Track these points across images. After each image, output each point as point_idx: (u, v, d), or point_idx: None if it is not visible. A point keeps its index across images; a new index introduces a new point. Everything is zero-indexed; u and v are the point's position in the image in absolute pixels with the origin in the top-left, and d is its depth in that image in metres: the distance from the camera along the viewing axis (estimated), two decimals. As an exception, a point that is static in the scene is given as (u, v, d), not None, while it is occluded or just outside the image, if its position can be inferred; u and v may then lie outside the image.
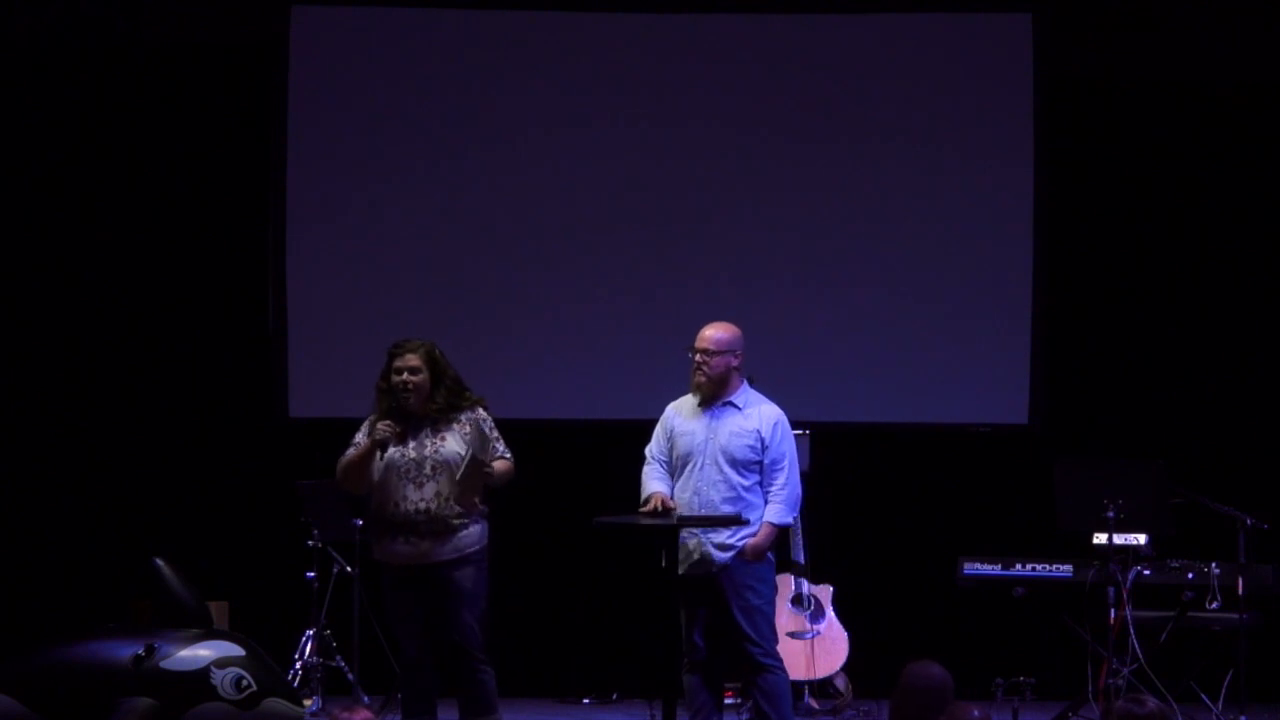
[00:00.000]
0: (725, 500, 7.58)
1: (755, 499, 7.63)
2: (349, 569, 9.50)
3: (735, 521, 7.53)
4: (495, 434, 7.57)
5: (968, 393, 10.21)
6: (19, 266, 10.43)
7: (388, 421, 7.44)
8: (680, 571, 7.60)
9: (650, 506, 7.56)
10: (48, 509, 10.33)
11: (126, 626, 8.32)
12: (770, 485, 7.64)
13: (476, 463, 7.40)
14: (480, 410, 7.60)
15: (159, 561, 7.97)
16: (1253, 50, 10.28)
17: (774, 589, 7.83)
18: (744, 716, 9.05)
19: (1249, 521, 8.73)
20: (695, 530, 7.56)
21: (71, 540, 10.28)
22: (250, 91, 10.42)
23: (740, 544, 7.58)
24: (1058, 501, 8.85)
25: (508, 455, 7.62)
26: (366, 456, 7.48)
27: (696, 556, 7.59)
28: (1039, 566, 9.18)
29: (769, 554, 7.68)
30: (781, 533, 7.84)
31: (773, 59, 10.28)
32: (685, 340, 9.50)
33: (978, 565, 9.27)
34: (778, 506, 7.63)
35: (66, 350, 10.42)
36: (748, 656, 7.59)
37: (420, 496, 7.43)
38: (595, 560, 10.04)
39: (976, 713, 5.17)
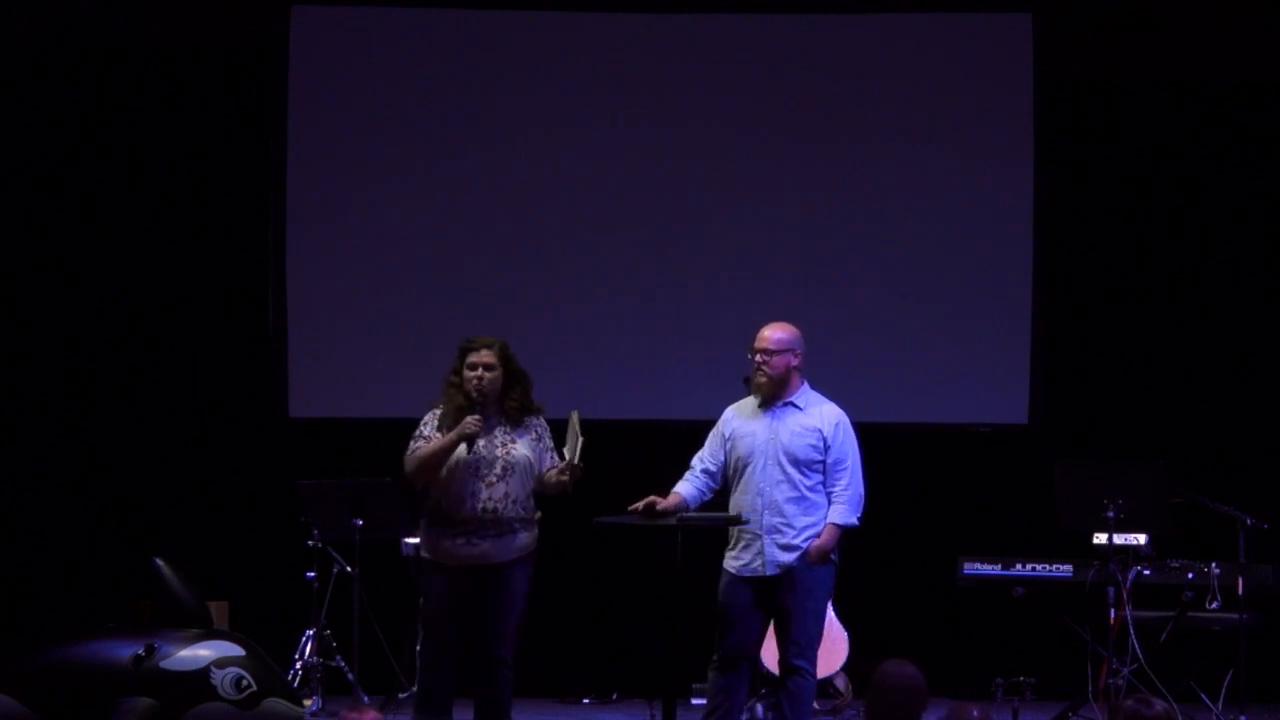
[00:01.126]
0: (789, 500, 7.57)
1: (820, 498, 7.61)
2: (349, 569, 9.50)
3: (736, 521, 7.52)
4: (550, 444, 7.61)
5: (968, 393, 10.21)
6: (19, 266, 10.43)
7: (477, 416, 7.37)
8: (739, 573, 7.61)
9: (636, 505, 7.54)
10: (48, 509, 10.33)
11: (126, 626, 8.32)
12: (834, 486, 7.62)
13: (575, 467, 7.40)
14: (543, 419, 7.59)
15: (159, 561, 7.97)
16: (1253, 50, 10.29)
17: (830, 592, 7.82)
18: (744, 717, 9.05)
19: (1249, 521, 8.73)
20: (759, 531, 7.55)
21: (71, 540, 10.28)
22: (250, 91, 10.42)
23: (805, 545, 7.56)
24: (1058, 501, 8.84)
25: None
26: (447, 450, 7.38)
27: (760, 560, 7.58)
28: (1039, 566, 9.18)
29: (833, 556, 7.66)
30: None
31: (773, 59, 10.28)
32: (685, 340, 9.53)
33: (978, 565, 9.27)
34: (841, 507, 7.60)
35: (66, 350, 10.42)
36: (784, 656, 7.59)
37: (489, 496, 7.40)
38: (595, 560, 10.04)
39: (976, 713, 5.16)
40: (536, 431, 7.55)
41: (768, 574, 7.56)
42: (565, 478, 7.45)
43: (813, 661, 7.62)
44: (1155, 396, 10.31)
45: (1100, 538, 8.71)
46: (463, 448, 7.37)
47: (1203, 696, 9.02)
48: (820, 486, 7.62)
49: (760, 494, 7.59)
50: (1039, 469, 9.32)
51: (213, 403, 10.42)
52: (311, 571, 9.52)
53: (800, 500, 7.58)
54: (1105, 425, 10.25)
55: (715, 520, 7.59)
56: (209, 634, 7.71)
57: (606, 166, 10.30)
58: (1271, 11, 10.21)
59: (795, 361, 7.68)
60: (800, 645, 7.56)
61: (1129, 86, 10.38)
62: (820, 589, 7.63)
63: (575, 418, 7.47)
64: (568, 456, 7.44)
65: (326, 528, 9.50)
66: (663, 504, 7.57)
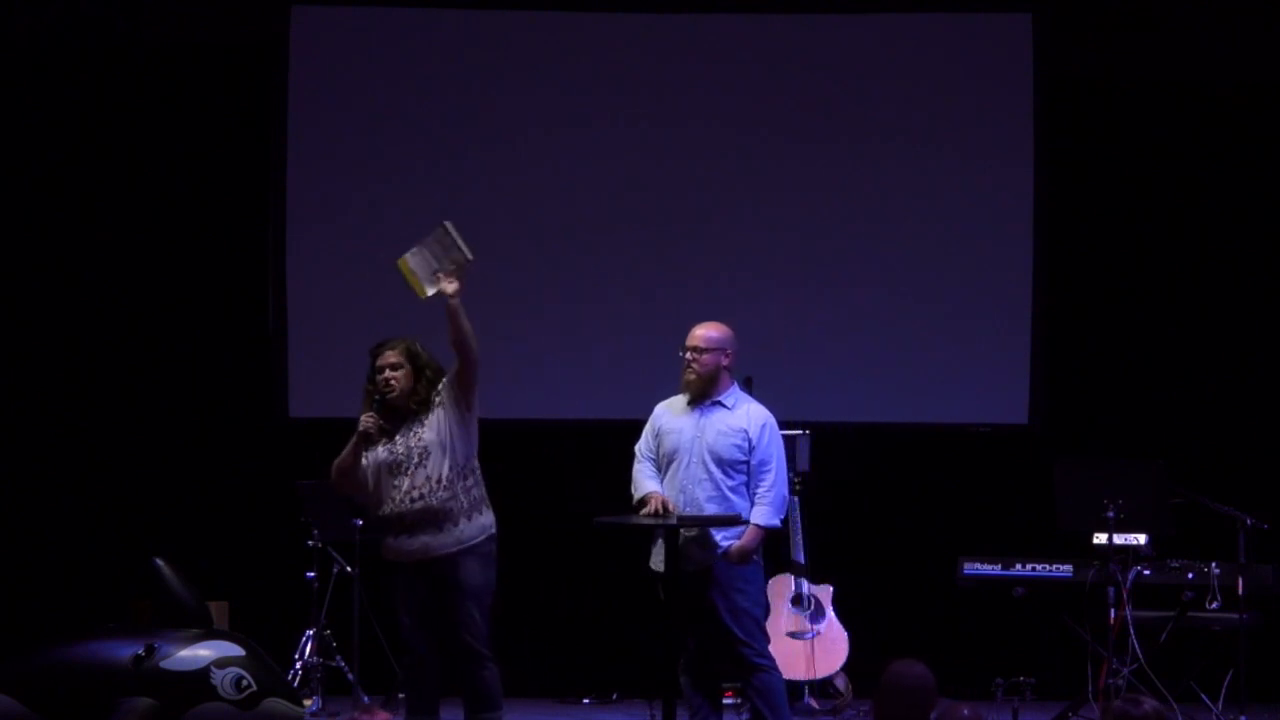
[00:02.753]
0: (710, 499, 7.57)
1: (740, 500, 7.60)
2: (349, 569, 9.50)
3: (736, 521, 7.52)
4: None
5: (968, 393, 10.21)
6: (19, 266, 10.43)
7: (369, 414, 7.42)
8: (661, 569, 7.59)
9: (651, 508, 7.54)
10: (48, 509, 10.34)
11: (126, 626, 8.32)
12: (758, 487, 7.60)
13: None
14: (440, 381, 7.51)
15: (159, 561, 7.97)
16: (1253, 50, 10.29)
17: (762, 590, 7.82)
18: (744, 716, 9.06)
19: (1249, 521, 8.73)
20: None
21: (71, 540, 10.28)
22: (250, 91, 10.42)
23: (725, 545, 7.56)
24: (1058, 501, 8.85)
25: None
26: (353, 454, 7.45)
27: (681, 558, 7.55)
28: (1039, 566, 9.18)
29: (756, 556, 7.66)
30: (775, 532, 7.80)
31: (773, 59, 10.29)
32: (684, 340, 9.49)
33: (978, 565, 9.27)
34: (764, 509, 7.59)
35: (66, 350, 10.43)
36: (740, 658, 7.58)
37: (411, 485, 7.39)
38: (595, 560, 10.04)
39: (966, 712, 5.15)
40: (437, 399, 7.47)
41: (687, 569, 7.53)
42: (447, 289, 7.33)
43: (769, 656, 7.63)
44: (1155, 396, 10.31)
45: (1100, 538, 8.72)
46: (381, 448, 7.37)
47: (1203, 696, 9.01)
48: (743, 487, 7.61)
49: (683, 491, 7.59)
50: (1039, 469, 9.32)
51: (213, 403, 10.43)
52: (311, 571, 9.53)
53: (721, 500, 7.58)
54: (1105, 425, 10.25)
55: (715, 520, 7.59)
56: (209, 634, 7.71)
57: (606, 166, 10.30)
58: (1271, 11, 10.21)
59: (725, 361, 7.69)
60: (751, 645, 7.57)
61: (1129, 86, 10.38)
62: (749, 587, 7.62)
63: (404, 263, 7.40)
64: (425, 294, 7.33)
65: (326, 528, 9.50)
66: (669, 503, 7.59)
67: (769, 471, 7.61)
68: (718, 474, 7.58)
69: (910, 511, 10.29)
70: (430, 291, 7.45)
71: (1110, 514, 8.58)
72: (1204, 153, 10.33)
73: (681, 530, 7.52)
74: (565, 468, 10.26)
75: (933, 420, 10.24)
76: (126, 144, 10.43)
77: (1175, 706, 8.76)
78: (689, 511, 7.55)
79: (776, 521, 7.68)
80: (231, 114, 10.45)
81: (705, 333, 7.69)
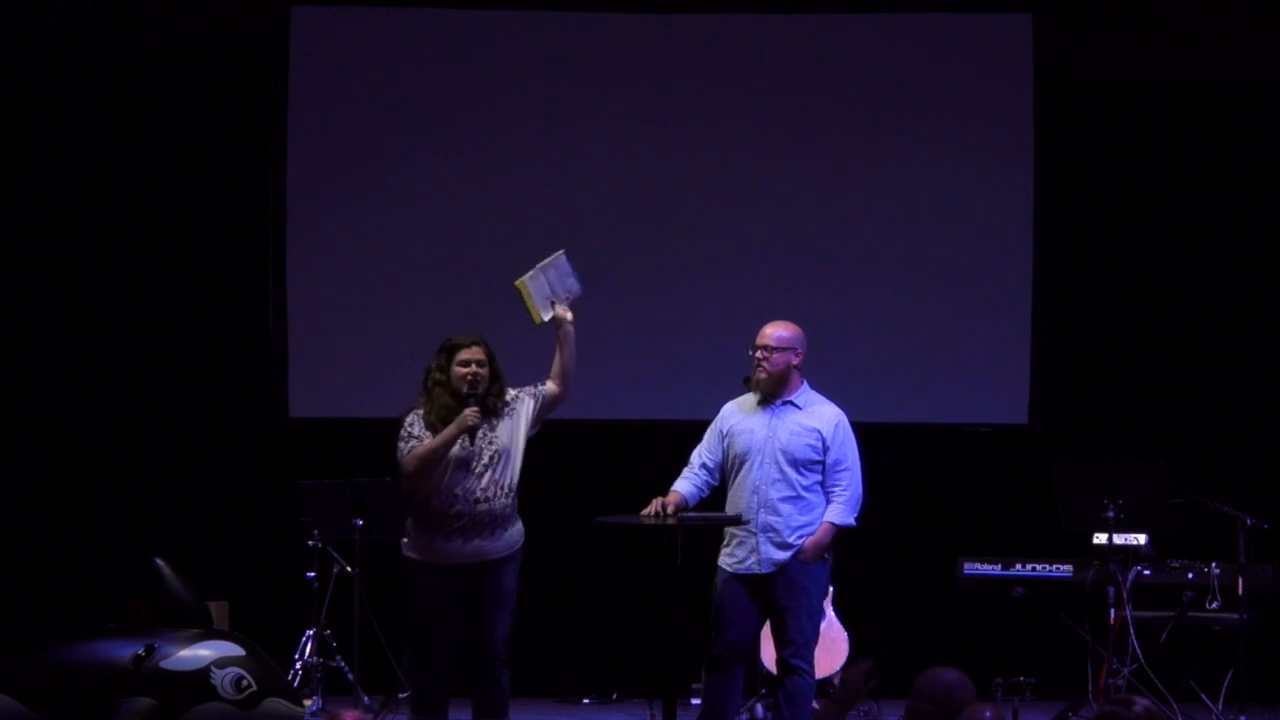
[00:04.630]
0: (784, 499, 7.56)
1: (816, 498, 7.61)
2: (349, 569, 9.49)
3: (735, 521, 7.52)
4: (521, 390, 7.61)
5: (968, 393, 10.20)
6: (20, 267, 10.43)
7: (475, 409, 7.41)
8: (734, 570, 7.61)
9: (650, 509, 7.53)
10: (48, 509, 10.33)
11: (126, 626, 8.32)
12: (834, 486, 7.62)
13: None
14: (509, 391, 7.60)
15: (159, 561, 7.97)
16: (1253, 50, 10.28)
17: (825, 590, 7.82)
18: (744, 717, 9.05)
19: (1249, 521, 8.73)
20: (754, 529, 7.55)
21: (71, 540, 10.28)
22: (250, 91, 10.41)
23: (799, 543, 7.56)
24: (1058, 501, 8.85)
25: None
26: (448, 444, 7.40)
27: (755, 558, 7.58)
28: (1039, 566, 9.18)
29: (827, 555, 7.66)
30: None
31: (773, 59, 10.28)
32: (685, 340, 9.51)
33: (978, 565, 9.27)
34: (840, 507, 7.61)
35: (67, 351, 10.42)
36: (781, 655, 7.60)
37: (479, 487, 7.41)
38: (596, 560, 10.05)
39: (990, 714, 5.08)
40: (506, 408, 7.53)
41: (763, 572, 7.57)
42: (565, 316, 7.50)
43: (810, 661, 7.62)
44: (1155, 396, 10.31)
45: (1100, 538, 8.72)
46: (460, 440, 7.40)
47: (1203, 696, 9.02)
48: (817, 486, 7.62)
49: (756, 492, 7.59)
50: (1039, 469, 9.32)
51: (213, 403, 10.42)
52: (311, 571, 9.53)
53: (796, 500, 7.58)
54: (1105, 425, 10.25)
55: (716, 520, 7.59)
56: (209, 634, 7.71)
57: (606, 166, 10.30)
58: (1271, 11, 10.21)
59: (796, 360, 7.68)
60: (797, 645, 7.56)
61: (1129, 86, 10.38)
62: (815, 587, 7.63)
63: (523, 285, 7.49)
64: (541, 318, 7.47)
65: (326, 528, 9.49)
66: (669, 504, 7.57)
67: (845, 470, 7.64)
68: (792, 474, 7.58)
69: (910, 511, 10.28)
70: (545, 317, 7.50)
71: (1110, 514, 8.59)
72: (1204, 153, 10.33)
73: (756, 533, 7.53)
74: (566, 467, 10.26)
75: (933, 420, 10.23)
76: (125, 144, 10.42)
77: (1175, 706, 8.77)
78: (763, 513, 7.55)
79: (851, 520, 7.67)
80: (231, 114, 10.44)
81: (776, 331, 7.67)
